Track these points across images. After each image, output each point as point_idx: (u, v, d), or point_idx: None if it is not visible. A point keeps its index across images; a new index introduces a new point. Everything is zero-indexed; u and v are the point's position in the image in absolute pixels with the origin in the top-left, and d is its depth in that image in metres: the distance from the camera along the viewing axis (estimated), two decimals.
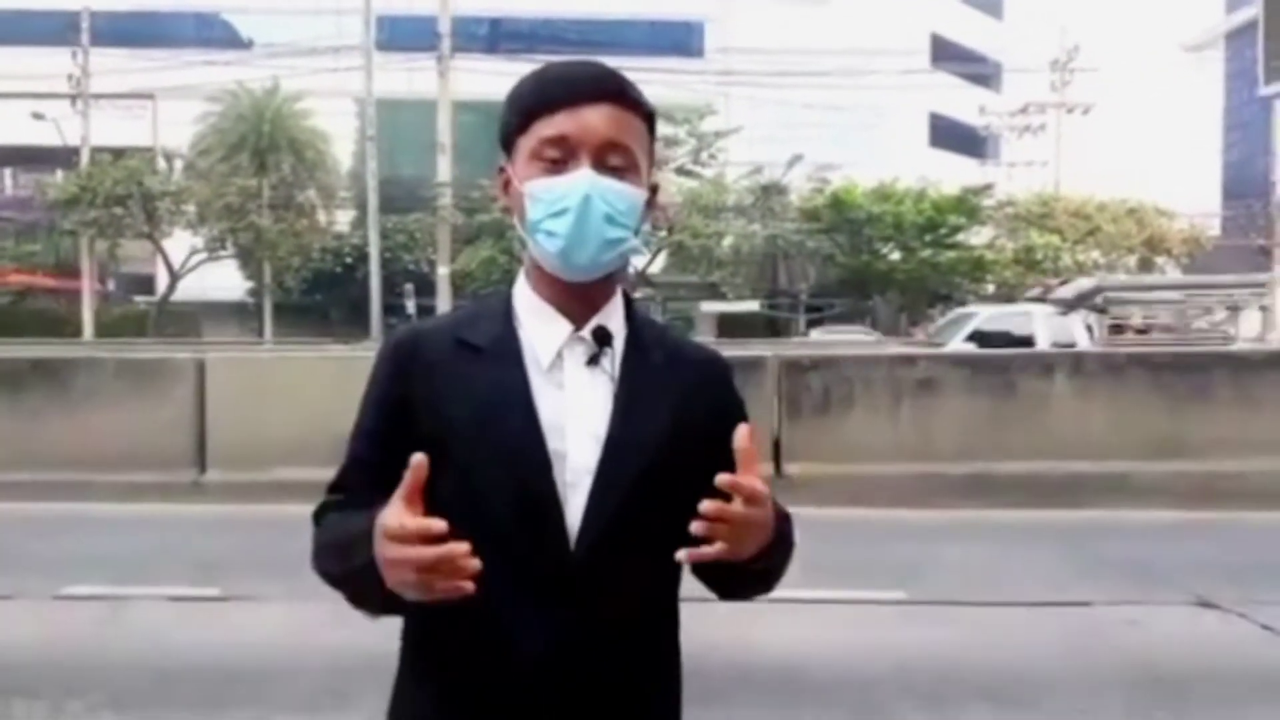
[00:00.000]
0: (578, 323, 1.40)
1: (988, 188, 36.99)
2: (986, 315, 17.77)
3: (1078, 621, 5.60)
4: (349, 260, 34.57)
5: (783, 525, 1.38)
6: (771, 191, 34.51)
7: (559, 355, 1.39)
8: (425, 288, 31.37)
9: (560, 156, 1.35)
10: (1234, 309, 17.91)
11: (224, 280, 35.74)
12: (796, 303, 37.42)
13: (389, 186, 31.58)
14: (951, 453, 8.76)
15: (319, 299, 36.70)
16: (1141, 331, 16.00)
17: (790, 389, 8.97)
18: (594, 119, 1.35)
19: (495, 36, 42.35)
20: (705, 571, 1.40)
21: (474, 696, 1.37)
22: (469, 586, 1.19)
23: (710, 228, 32.75)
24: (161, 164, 34.42)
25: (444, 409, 1.37)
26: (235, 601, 5.80)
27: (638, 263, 31.99)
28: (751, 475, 1.25)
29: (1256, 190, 42.46)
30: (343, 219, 36.80)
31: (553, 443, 1.35)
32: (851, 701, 4.34)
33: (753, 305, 36.51)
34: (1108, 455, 8.65)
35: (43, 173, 36.09)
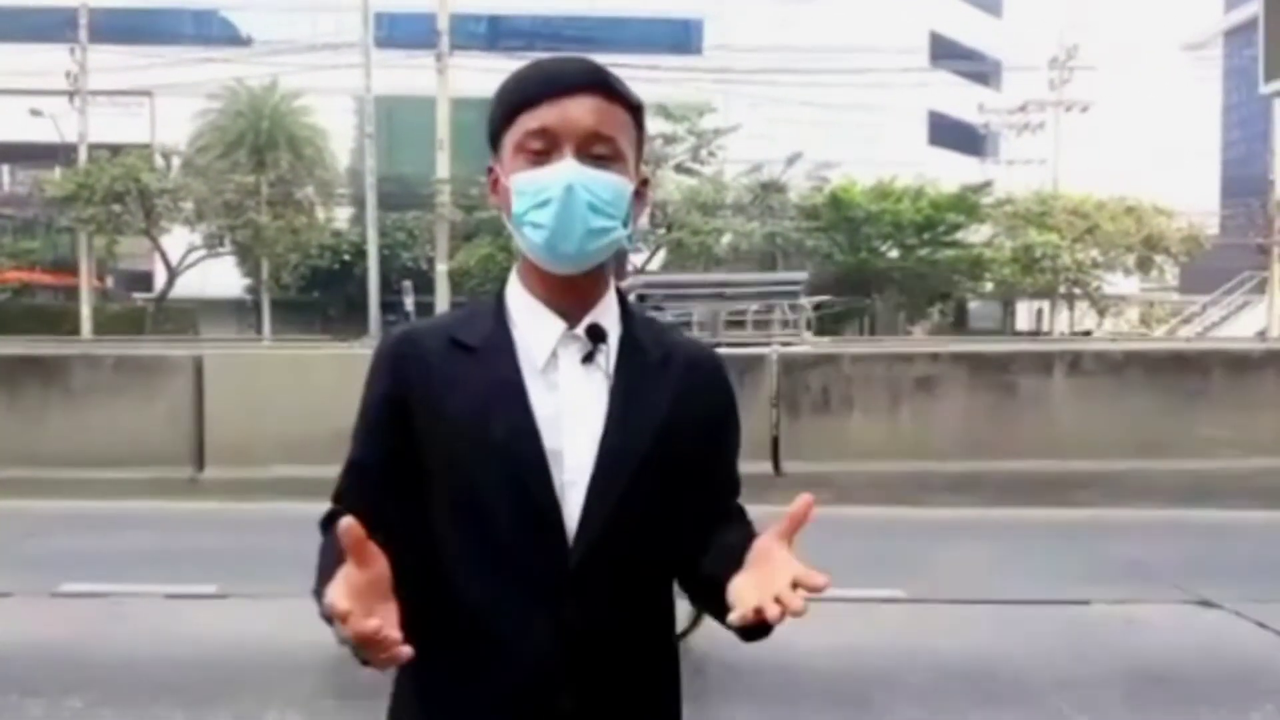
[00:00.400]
0: (571, 320, 1.39)
1: (986, 186, 36.97)
2: None
3: (1076, 620, 5.60)
4: (347, 257, 34.56)
5: None
6: (770, 189, 34.49)
7: (553, 354, 1.39)
8: (424, 285, 31.35)
9: (544, 148, 1.35)
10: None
11: (222, 277, 35.74)
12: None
13: (387, 184, 31.58)
14: (950, 451, 8.77)
15: (317, 296, 36.70)
16: (681, 327, 15.79)
17: (789, 387, 8.97)
18: (576, 110, 1.34)
19: (494, 34, 42.33)
20: (702, 594, 1.40)
21: (476, 699, 1.36)
22: (402, 654, 1.17)
23: (709, 225, 32.73)
24: (160, 161, 34.38)
25: (439, 410, 1.36)
26: (233, 599, 5.80)
27: (636, 260, 32.01)
28: (808, 573, 1.19)
29: (1255, 189, 42.45)
30: (341, 216, 36.79)
31: (549, 441, 1.35)
32: (849, 699, 4.34)
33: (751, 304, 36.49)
34: (1106, 453, 8.66)
35: (41, 169, 36.08)
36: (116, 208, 31.67)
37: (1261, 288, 37.59)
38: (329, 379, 8.38)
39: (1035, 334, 38.22)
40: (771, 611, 1.16)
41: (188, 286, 34.56)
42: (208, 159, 34.39)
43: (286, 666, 4.63)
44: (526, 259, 1.41)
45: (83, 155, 33.79)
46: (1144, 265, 37.00)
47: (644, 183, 1.44)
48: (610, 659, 1.37)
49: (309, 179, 34.78)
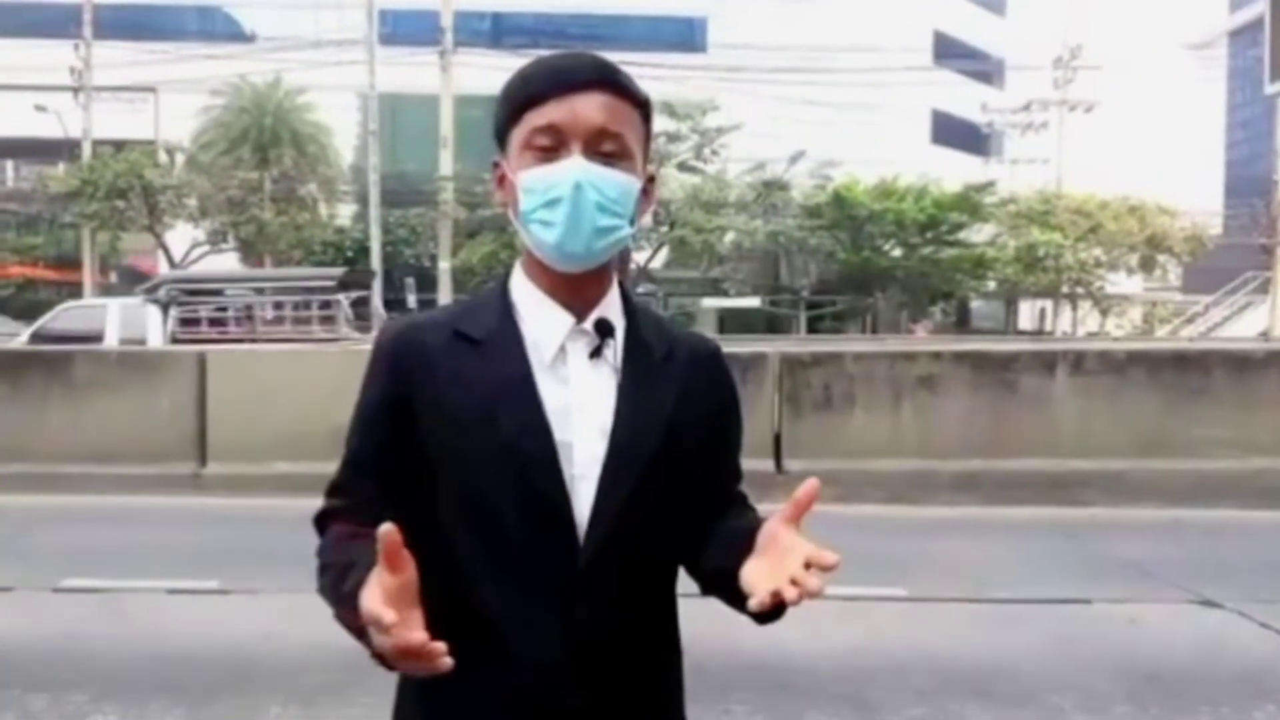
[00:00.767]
0: (577, 314, 1.39)
1: (989, 185, 36.95)
2: (63, 309, 16.58)
3: (1077, 619, 5.60)
4: (350, 254, 34.52)
5: None
6: (773, 187, 34.49)
7: (561, 348, 1.38)
8: (427, 282, 31.33)
9: (551, 145, 1.34)
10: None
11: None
12: (798, 299, 37.42)
13: (391, 181, 31.59)
14: (951, 450, 8.77)
15: None
16: (216, 324, 15.55)
17: (791, 385, 8.97)
18: (584, 106, 1.33)
19: (498, 31, 42.30)
20: (710, 582, 1.40)
21: (482, 694, 1.36)
22: (444, 665, 1.16)
23: (712, 223, 32.73)
24: (163, 157, 34.40)
25: (446, 404, 1.35)
26: (235, 594, 5.80)
27: (639, 258, 32.02)
28: (818, 553, 1.19)
29: (1259, 188, 42.42)
30: (344, 213, 36.80)
31: (559, 435, 1.34)
32: (850, 698, 4.34)
33: (754, 302, 36.52)
34: (1108, 453, 8.66)
35: (44, 165, 36.09)
36: (120, 204, 31.69)
37: (1265, 288, 37.53)
38: (331, 375, 8.39)
39: (1038, 334, 38.19)
40: (789, 594, 1.16)
41: None
42: (211, 155, 34.41)
43: (288, 662, 4.63)
44: (532, 254, 1.41)
45: (87, 151, 33.80)
46: (1147, 265, 36.97)
47: (650, 179, 1.43)
48: (618, 656, 1.37)
49: (312, 176, 34.77)
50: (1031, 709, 4.26)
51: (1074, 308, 38.34)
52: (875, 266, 35.51)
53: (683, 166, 33.38)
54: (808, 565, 1.16)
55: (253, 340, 14.21)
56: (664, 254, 34.64)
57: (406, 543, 1.20)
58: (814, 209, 34.72)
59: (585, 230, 1.33)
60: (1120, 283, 38.04)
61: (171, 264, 33.90)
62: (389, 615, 1.12)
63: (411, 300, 30.81)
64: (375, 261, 27.90)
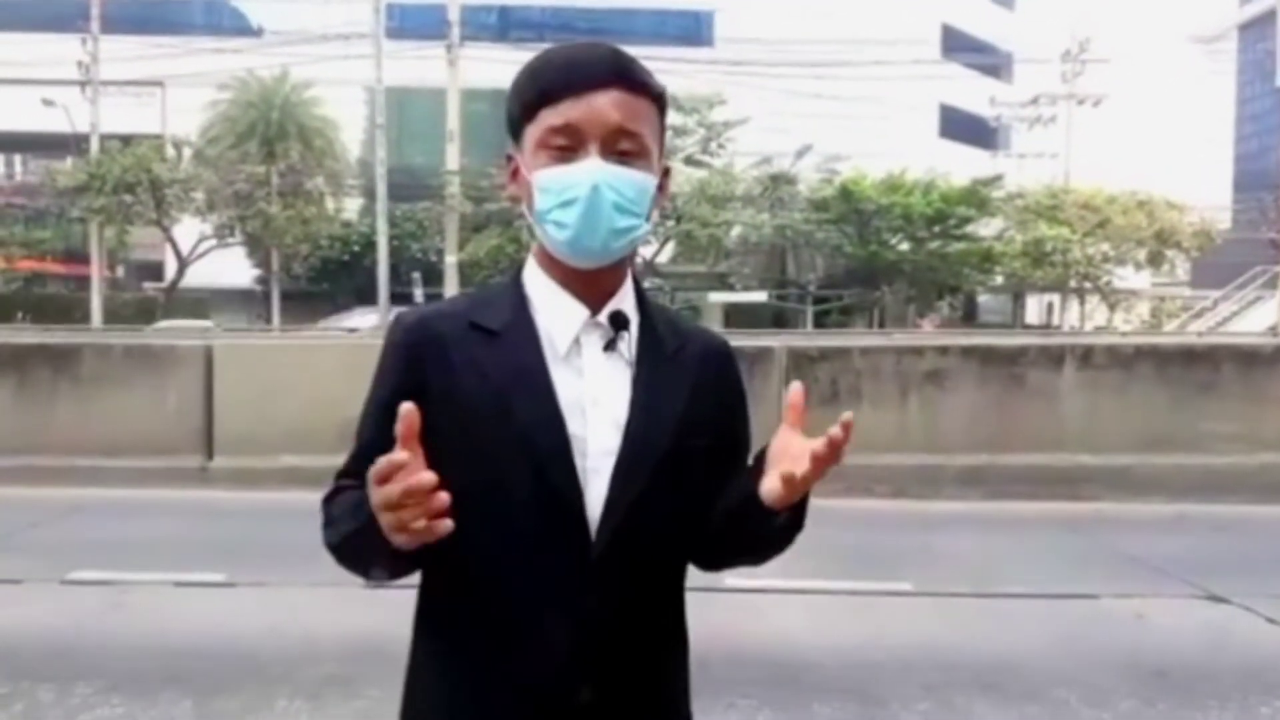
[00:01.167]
0: (592, 307, 1.38)
1: (997, 179, 36.89)
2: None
3: (1084, 613, 5.59)
4: (357, 248, 34.64)
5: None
6: (780, 182, 34.48)
7: (576, 340, 1.38)
8: (433, 276, 31.38)
9: (568, 144, 1.33)
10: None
11: (232, 267, 35.81)
12: (804, 294, 37.40)
13: (397, 174, 31.60)
14: (958, 444, 8.75)
15: (326, 286, 36.76)
16: None
17: (797, 380, 8.95)
18: (602, 105, 1.32)
19: (505, 25, 42.30)
20: (721, 535, 1.41)
21: (495, 690, 1.36)
22: (443, 526, 1.15)
23: (718, 218, 32.74)
24: (170, 151, 34.49)
25: (460, 395, 1.35)
26: (242, 587, 5.82)
27: (645, 252, 32.01)
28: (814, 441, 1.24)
29: (1268, 183, 42.28)
30: (351, 207, 36.87)
31: (572, 427, 1.34)
32: (855, 692, 4.34)
33: (760, 296, 36.52)
34: (1115, 448, 8.64)
35: (52, 159, 36.16)
36: (127, 198, 31.78)
37: (1273, 283, 37.42)
38: (338, 369, 8.40)
39: (1045, 328, 38.13)
40: (804, 469, 1.21)
41: (198, 276, 34.66)
42: (218, 149, 34.49)
43: (294, 655, 4.64)
44: (546, 250, 1.40)
45: (94, 145, 33.89)
46: (1155, 260, 36.94)
47: (665, 173, 1.43)
48: (627, 649, 1.37)
49: (319, 170, 34.85)
50: (1037, 703, 4.26)
51: (1081, 302, 38.29)
52: (882, 261, 35.48)
53: (689, 161, 33.36)
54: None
55: None
56: (670, 248, 34.62)
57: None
58: (821, 203, 34.71)
59: (603, 231, 1.33)
60: (1128, 278, 38.01)
61: (179, 258, 34.00)
62: (401, 455, 1.13)
63: (418, 294, 30.85)
64: (381, 255, 27.92)
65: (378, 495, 1.15)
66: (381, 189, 28.28)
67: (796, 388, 1.28)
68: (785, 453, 1.26)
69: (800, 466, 1.21)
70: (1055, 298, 39.73)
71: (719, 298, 36.47)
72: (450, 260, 30.03)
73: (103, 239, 34.46)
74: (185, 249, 34.04)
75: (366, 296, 30.12)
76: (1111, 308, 37.81)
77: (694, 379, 1.42)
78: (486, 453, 1.34)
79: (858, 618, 5.33)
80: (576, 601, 1.33)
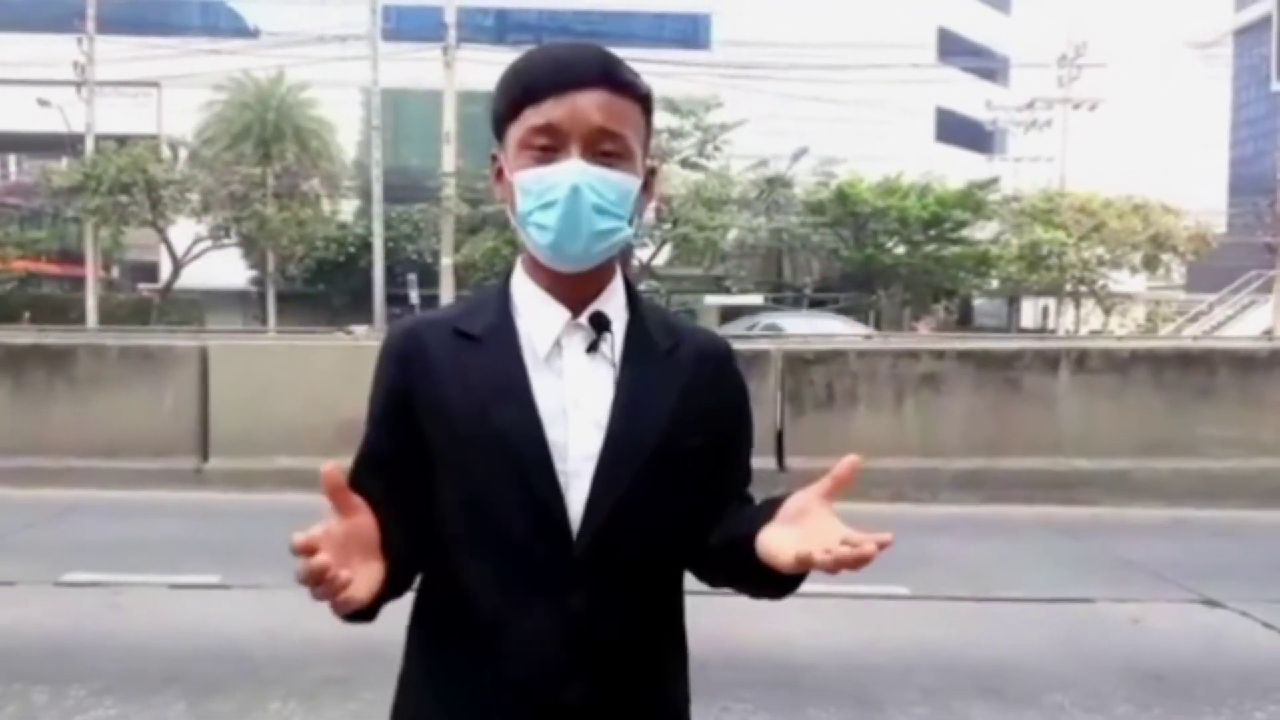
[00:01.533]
0: (575, 309, 1.37)
1: (993, 183, 36.94)
2: None
3: (1080, 618, 5.59)
4: (353, 250, 34.62)
5: None
6: (776, 184, 34.51)
7: (557, 343, 1.37)
8: (429, 278, 31.40)
9: (550, 144, 1.32)
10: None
11: (228, 269, 35.80)
12: (800, 296, 37.41)
13: (393, 176, 31.61)
14: (954, 448, 8.75)
15: (322, 288, 36.77)
16: None
17: (793, 383, 8.95)
18: (584, 105, 1.31)
19: (501, 27, 42.34)
20: (719, 561, 1.40)
21: (482, 690, 1.35)
22: (354, 598, 1.15)
23: (715, 220, 32.73)
24: (166, 152, 34.47)
25: (442, 400, 1.35)
26: (237, 589, 5.80)
27: (642, 255, 32.03)
28: (858, 538, 1.15)
29: (1263, 187, 42.37)
30: (347, 208, 36.85)
31: (552, 431, 1.33)
32: (852, 695, 4.33)
33: (756, 299, 36.52)
34: (1111, 452, 8.64)
35: (47, 159, 36.14)
36: (123, 198, 31.74)
37: (1268, 287, 37.49)
38: (333, 371, 8.40)
39: (1041, 332, 38.18)
40: (820, 558, 1.14)
41: (193, 278, 34.63)
42: (214, 150, 34.49)
43: (289, 657, 4.63)
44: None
45: (89, 146, 33.87)
46: (1150, 264, 36.95)
47: (651, 173, 1.41)
48: (617, 651, 1.36)
49: (315, 171, 34.82)
50: (1034, 707, 4.26)
51: (1077, 306, 38.32)
52: (878, 264, 35.51)
53: (686, 163, 33.39)
54: (844, 544, 1.14)
55: None
56: (667, 251, 34.63)
57: (417, 532, 1.17)
58: (817, 206, 34.73)
59: (583, 233, 1.32)
60: (1124, 281, 38.03)
61: (174, 259, 33.96)
62: (299, 538, 1.11)
63: (414, 296, 30.87)
64: (377, 257, 27.92)
65: (297, 570, 1.14)
66: (377, 191, 28.29)
67: (851, 461, 1.20)
68: (806, 516, 1.22)
69: (817, 552, 1.15)
70: (1051, 301, 39.76)
71: (715, 300, 36.47)
72: (446, 262, 30.03)
73: (98, 240, 34.43)
74: (180, 250, 34.00)
75: (362, 298, 30.12)
76: (1107, 311, 37.83)
77: (686, 379, 1.40)
78: (469, 457, 1.34)
79: (855, 621, 5.32)
80: (560, 603, 1.32)
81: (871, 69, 36.13)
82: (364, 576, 1.18)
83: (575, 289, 1.38)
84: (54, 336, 14.58)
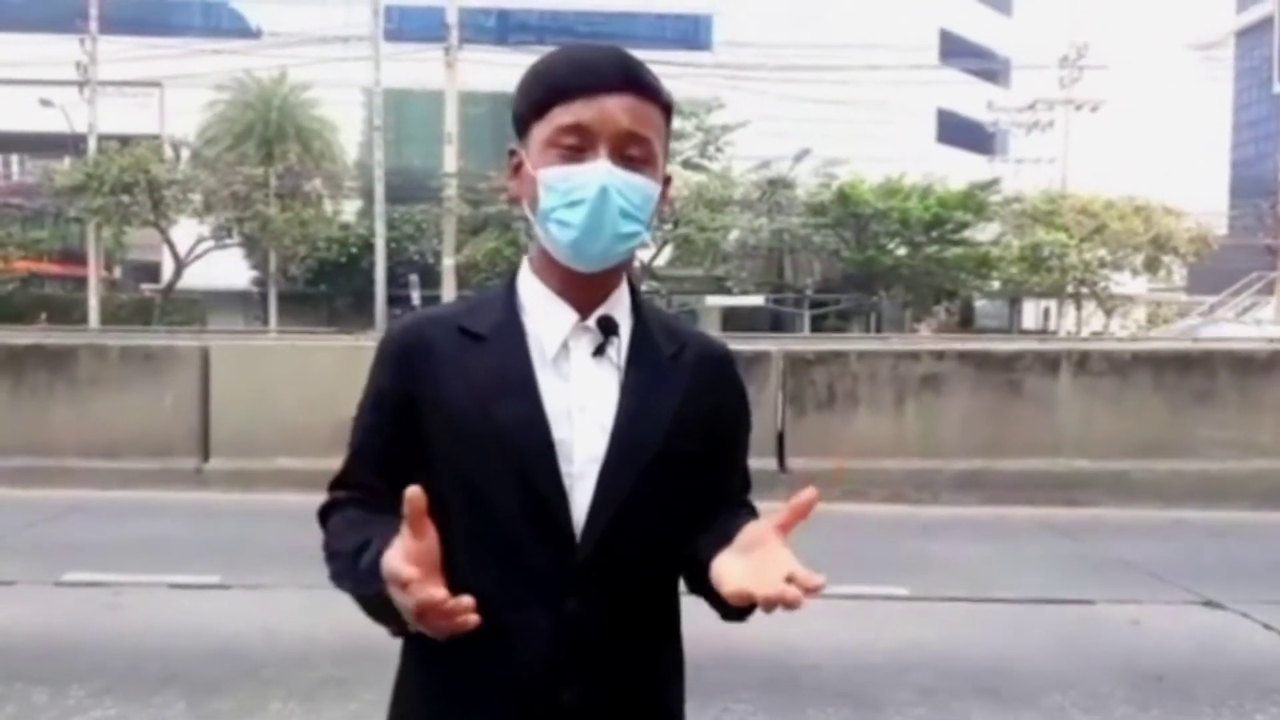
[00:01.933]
0: (583, 312, 1.38)
1: (994, 184, 36.92)
2: None
3: (1080, 619, 5.59)
4: (354, 250, 34.63)
5: None
6: (778, 186, 34.51)
7: (564, 345, 1.37)
8: (430, 278, 31.39)
9: (578, 145, 1.32)
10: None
11: (229, 269, 35.81)
12: (802, 298, 37.41)
13: (395, 177, 31.61)
14: (954, 449, 8.75)
15: (324, 289, 36.78)
16: None
17: (794, 384, 8.96)
18: (614, 109, 1.32)
19: (503, 28, 42.33)
20: (691, 581, 1.40)
21: (479, 690, 1.35)
22: (470, 621, 1.17)
23: (716, 221, 32.76)
24: (168, 152, 34.51)
25: (447, 400, 1.35)
26: (236, 589, 5.80)
27: (643, 255, 32.00)
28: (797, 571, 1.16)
29: (1264, 189, 42.39)
30: (349, 209, 36.87)
31: (557, 432, 1.33)
32: (851, 696, 4.33)
33: (757, 300, 36.54)
34: (1110, 453, 8.64)
35: (50, 159, 36.17)
36: (125, 198, 31.77)
37: (1269, 289, 37.49)
38: (335, 371, 8.39)
39: (1042, 334, 38.17)
40: (761, 596, 1.15)
41: (195, 278, 34.66)
42: (216, 150, 34.52)
43: (289, 657, 4.63)
44: (544, 251, 1.39)
45: (92, 146, 33.89)
46: (1152, 265, 36.96)
47: (666, 181, 1.42)
48: (614, 654, 1.36)
49: (317, 171, 34.86)
50: (1033, 708, 4.26)
51: (1078, 308, 38.31)
52: (879, 265, 35.51)
53: (687, 164, 33.41)
54: (789, 580, 1.14)
55: None
56: (668, 252, 34.62)
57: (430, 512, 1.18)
58: (818, 207, 34.73)
59: (606, 234, 1.32)
60: (1125, 283, 38.04)
61: (176, 259, 33.97)
62: (409, 571, 1.14)
63: (415, 296, 30.86)
64: (379, 257, 27.92)
65: (396, 596, 1.18)
66: (379, 191, 28.29)
67: (808, 494, 1.19)
68: (761, 547, 1.22)
69: (758, 590, 1.16)
70: (1052, 303, 39.77)
71: (716, 301, 36.48)
72: (448, 263, 30.03)
73: (100, 240, 34.45)
74: (183, 250, 34.02)
75: (364, 299, 30.12)
76: (1108, 313, 37.84)
77: (688, 383, 1.41)
78: (472, 456, 1.33)
79: (854, 622, 5.32)
80: (560, 606, 1.32)
81: (873, 70, 36.13)
82: (440, 587, 1.18)
83: (585, 291, 1.38)
84: (54, 336, 14.60)
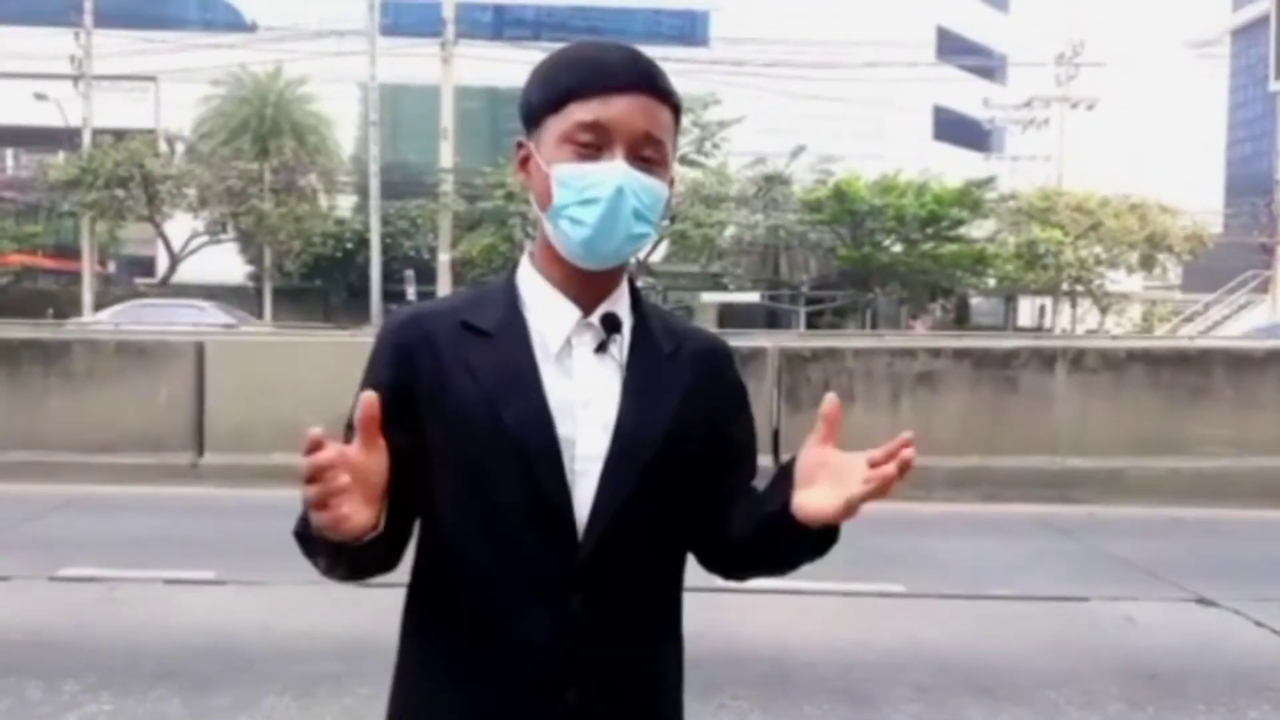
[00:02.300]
0: (585, 308, 1.37)
1: (990, 181, 36.92)
2: None
3: (1074, 616, 5.60)
4: (350, 245, 34.56)
5: None
6: (774, 182, 34.52)
7: (567, 341, 1.37)
8: (426, 274, 31.35)
9: (594, 143, 1.32)
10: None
11: (224, 264, 35.74)
12: (797, 294, 37.42)
13: (391, 172, 31.58)
14: (950, 446, 8.76)
15: (319, 284, 36.71)
16: None
17: (790, 380, 8.97)
18: (632, 109, 1.32)
19: (499, 23, 42.30)
20: (745, 547, 1.40)
21: (481, 687, 1.35)
22: (352, 516, 1.14)
23: (712, 218, 32.75)
24: (163, 146, 34.43)
25: (450, 394, 1.34)
26: (231, 584, 5.80)
27: (639, 252, 32.00)
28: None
29: (1260, 187, 42.46)
30: (344, 204, 36.81)
31: (562, 429, 1.33)
32: (846, 693, 4.34)
33: (753, 296, 36.52)
34: (1106, 451, 8.66)
35: (44, 153, 36.08)
36: (120, 193, 31.69)
37: (1264, 287, 37.55)
38: (330, 366, 8.38)
39: (1038, 331, 38.22)
40: (867, 494, 1.24)
41: (190, 273, 34.58)
42: (211, 145, 34.45)
43: (284, 652, 4.63)
44: (548, 247, 1.39)
45: (86, 140, 33.79)
46: (1147, 263, 36.97)
47: (670, 182, 1.42)
48: (616, 650, 1.36)
49: (312, 166, 34.81)
50: (1028, 705, 4.27)
51: (1074, 305, 38.36)
52: (875, 262, 35.50)
53: (683, 160, 33.33)
54: (873, 467, 1.21)
55: None
56: (664, 248, 34.62)
57: (403, 526, 1.16)
58: (814, 204, 34.72)
59: (620, 234, 1.32)
60: (1120, 281, 38.07)
61: (171, 254, 33.92)
62: (314, 431, 1.10)
63: (411, 292, 30.82)
64: (374, 253, 27.90)
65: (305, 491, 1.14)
66: (375, 186, 28.25)
67: (831, 400, 1.25)
68: (824, 468, 1.27)
69: (854, 487, 1.23)
70: (1047, 300, 39.81)
71: (712, 298, 36.47)
72: (443, 258, 30.01)
73: (94, 234, 34.38)
74: (177, 245, 33.96)
75: (359, 294, 30.09)
76: (1103, 311, 37.88)
77: (688, 381, 1.41)
78: (475, 453, 1.33)
79: (850, 619, 5.33)
80: (562, 603, 1.32)
81: (869, 67, 36.12)
82: (363, 514, 1.17)
83: (588, 288, 1.38)
84: (48, 331, 14.57)
